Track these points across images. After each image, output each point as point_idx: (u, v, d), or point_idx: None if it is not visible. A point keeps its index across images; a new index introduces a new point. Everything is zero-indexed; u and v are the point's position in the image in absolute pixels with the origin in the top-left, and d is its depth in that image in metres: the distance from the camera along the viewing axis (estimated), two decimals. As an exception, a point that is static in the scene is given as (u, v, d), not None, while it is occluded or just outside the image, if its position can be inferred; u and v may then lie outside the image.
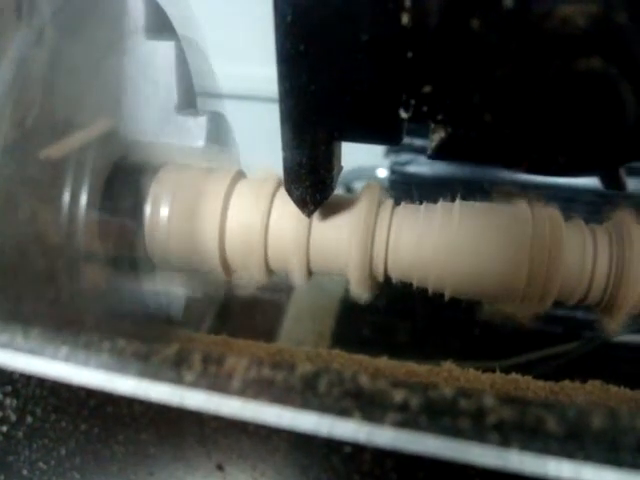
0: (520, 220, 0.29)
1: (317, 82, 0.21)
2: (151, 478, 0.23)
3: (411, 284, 0.31)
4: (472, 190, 0.32)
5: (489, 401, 0.18)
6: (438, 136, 0.21)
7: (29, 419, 0.23)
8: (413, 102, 0.20)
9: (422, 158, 0.74)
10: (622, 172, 0.23)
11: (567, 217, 0.30)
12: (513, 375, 0.37)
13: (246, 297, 0.59)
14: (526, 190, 0.30)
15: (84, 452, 0.23)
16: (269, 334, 0.68)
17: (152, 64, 0.32)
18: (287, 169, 0.26)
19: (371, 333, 0.70)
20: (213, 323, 0.46)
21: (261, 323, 0.69)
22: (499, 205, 0.30)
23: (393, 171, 0.75)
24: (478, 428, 0.18)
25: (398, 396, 0.19)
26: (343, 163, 0.28)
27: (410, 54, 0.19)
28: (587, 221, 0.30)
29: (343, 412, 0.19)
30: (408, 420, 0.18)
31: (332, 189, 0.27)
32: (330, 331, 0.70)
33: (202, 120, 0.33)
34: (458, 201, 0.30)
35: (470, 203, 0.30)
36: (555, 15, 0.16)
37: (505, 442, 0.18)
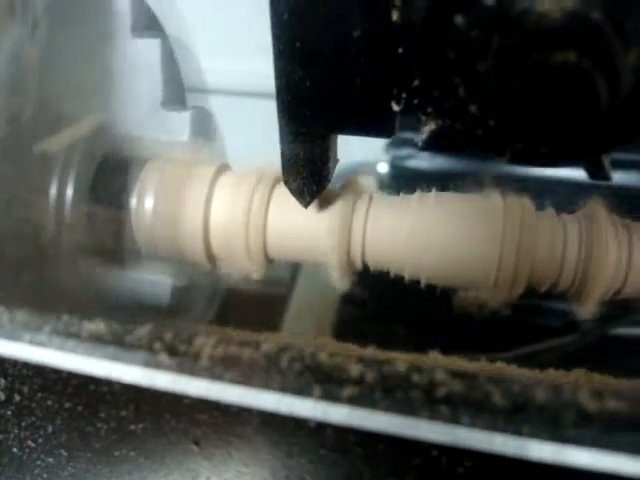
0: (492, 209, 0.29)
1: (313, 77, 0.22)
2: (133, 454, 0.24)
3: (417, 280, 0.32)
4: (471, 184, 0.32)
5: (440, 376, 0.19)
6: (429, 128, 0.22)
7: (17, 398, 0.24)
8: (404, 96, 0.22)
9: (422, 153, 0.74)
10: (606, 162, 0.24)
11: (541, 207, 0.31)
12: (498, 364, 0.38)
13: (246, 291, 0.60)
14: (523, 182, 0.31)
15: (70, 430, 0.24)
16: (270, 329, 0.69)
17: (138, 61, 0.33)
18: (284, 162, 0.27)
19: (371, 327, 0.70)
20: (214, 317, 0.47)
21: (262, 318, 0.69)
22: (473, 195, 0.31)
23: (393, 166, 0.76)
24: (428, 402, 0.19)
25: (355, 371, 0.20)
26: (344, 158, 0.29)
27: (400, 49, 0.20)
28: (560, 211, 0.31)
29: (302, 390, 0.20)
30: (363, 396, 0.19)
31: (328, 180, 0.28)
32: (330, 326, 0.71)
33: (186, 115, 0.34)
34: (434, 191, 0.31)
35: (445, 193, 0.31)
36: (533, 11, 0.17)
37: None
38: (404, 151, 0.76)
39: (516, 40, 0.18)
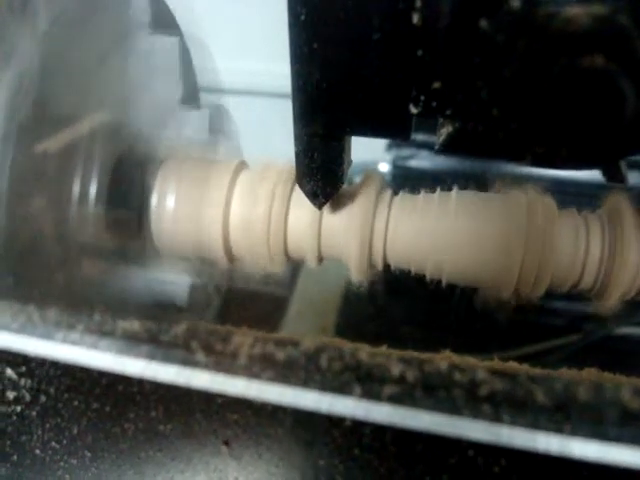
0: (515, 208, 0.29)
1: (330, 79, 0.22)
2: (160, 454, 0.24)
3: (415, 276, 0.32)
4: (473, 184, 0.32)
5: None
6: (446, 131, 0.22)
7: (43, 398, 0.24)
8: (423, 98, 0.21)
9: (424, 152, 0.74)
10: (623, 165, 0.24)
11: (562, 206, 0.31)
12: (511, 363, 0.38)
13: (248, 291, 0.60)
14: (525, 181, 0.31)
15: (95, 431, 0.24)
16: (272, 329, 0.69)
17: (157, 59, 0.32)
18: (299, 163, 0.27)
19: (374, 327, 0.71)
20: (215, 317, 0.47)
21: (264, 317, 0.69)
22: (495, 194, 0.31)
23: (395, 165, 0.76)
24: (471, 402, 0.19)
25: (395, 370, 0.19)
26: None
27: (420, 52, 0.20)
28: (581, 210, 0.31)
29: (343, 388, 0.20)
30: (404, 395, 0.19)
31: (342, 182, 0.28)
32: (333, 325, 0.71)
33: (205, 113, 0.33)
34: (455, 190, 0.31)
35: (467, 192, 0.31)
36: (560, 15, 0.17)
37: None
38: (405, 151, 0.76)
39: (543, 44, 0.18)
